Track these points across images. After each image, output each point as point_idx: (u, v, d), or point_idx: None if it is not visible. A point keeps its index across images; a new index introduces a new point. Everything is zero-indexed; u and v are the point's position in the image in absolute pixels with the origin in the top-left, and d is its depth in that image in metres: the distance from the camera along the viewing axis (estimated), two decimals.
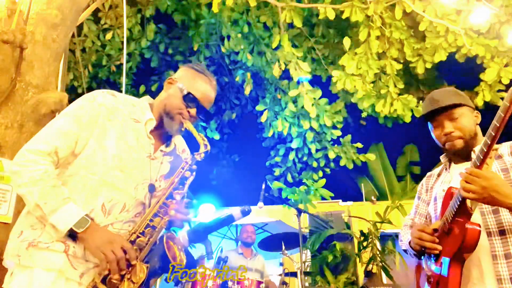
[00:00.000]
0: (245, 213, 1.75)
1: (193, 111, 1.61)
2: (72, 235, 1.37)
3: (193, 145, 1.72)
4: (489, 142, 1.39)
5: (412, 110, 4.68)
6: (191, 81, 1.64)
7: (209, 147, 1.63)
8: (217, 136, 6.61)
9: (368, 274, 5.06)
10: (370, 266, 4.93)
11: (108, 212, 1.46)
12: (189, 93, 1.60)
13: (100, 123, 1.49)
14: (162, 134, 1.64)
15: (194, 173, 1.59)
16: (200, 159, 1.60)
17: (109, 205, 1.46)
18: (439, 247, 1.61)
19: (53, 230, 1.36)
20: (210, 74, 1.73)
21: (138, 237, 1.45)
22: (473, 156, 1.56)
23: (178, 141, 1.74)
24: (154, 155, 1.60)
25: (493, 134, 1.37)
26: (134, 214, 1.54)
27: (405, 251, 1.88)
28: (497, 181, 1.41)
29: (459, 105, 1.70)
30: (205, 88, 1.66)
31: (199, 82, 1.65)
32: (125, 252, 1.38)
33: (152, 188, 1.57)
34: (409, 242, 1.78)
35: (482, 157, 1.43)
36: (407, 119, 4.73)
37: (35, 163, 1.38)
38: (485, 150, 1.41)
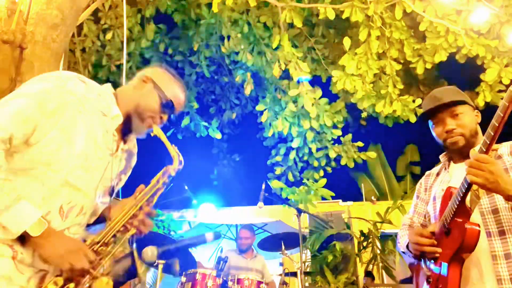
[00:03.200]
0: (217, 237, 1.76)
1: (165, 117, 1.55)
2: (23, 238, 1.20)
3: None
4: (488, 142, 1.39)
5: (415, 112, 4.69)
6: (169, 87, 1.55)
7: (183, 164, 1.54)
8: (219, 135, 6.60)
9: (367, 274, 5.06)
10: (371, 266, 4.94)
11: (66, 215, 1.32)
12: (170, 101, 1.53)
13: (68, 115, 1.31)
14: (123, 130, 1.52)
15: (165, 187, 1.51)
16: (174, 174, 1.51)
17: (67, 207, 1.32)
18: (439, 250, 1.61)
19: (2, 231, 1.18)
20: (181, 80, 1.66)
21: (101, 246, 1.35)
22: (472, 154, 1.56)
23: (132, 137, 1.63)
24: (116, 153, 1.49)
25: (492, 133, 1.37)
26: (89, 217, 1.44)
27: (403, 252, 1.87)
28: (500, 167, 1.41)
29: (461, 102, 1.69)
30: (180, 95, 1.59)
31: (177, 90, 1.58)
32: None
33: (112, 192, 1.50)
34: (407, 245, 1.78)
35: None
36: (412, 120, 4.73)
37: None
38: (484, 150, 1.41)
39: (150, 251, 1.53)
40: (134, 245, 1.47)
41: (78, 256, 1.26)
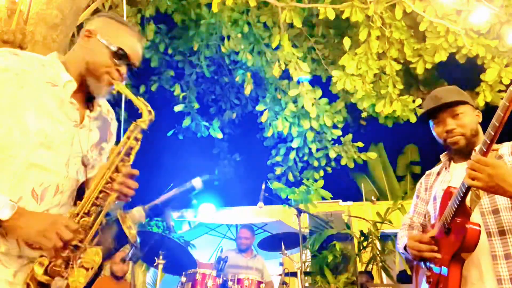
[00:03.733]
0: (205, 182, 1.64)
1: (123, 69, 1.40)
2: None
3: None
4: (488, 142, 1.39)
5: (415, 112, 4.69)
6: (116, 34, 1.39)
7: (153, 114, 1.39)
8: (220, 135, 6.60)
9: (362, 273, 5.06)
10: (370, 266, 4.94)
11: (41, 197, 1.24)
12: (119, 49, 1.37)
13: (9, 93, 1.20)
14: (84, 97, 1.39)
15: (139, 142, 1.37)
16: (145, 126, 1.37)
17: (40, 189, 1.24)
18: (438, 256, 1.61)
19: None
20: (131, 25, 1.49)
21: (82, 217, 1.25)
22: (473, 155, 1.56)
23: (101, 102, 1.49)
24: (82, 123, 1.37)
25: (492, 133, 1.37)
26: (69, 195, 1.35)
27: (402, 253, 1.88)
28: (504, 170, 1.39)
29: (462, 102, 1.69)
30: (133, 42, 1.43)
31: (126, 36, 1.41)
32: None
33: (85, 161, 1.37)
34: (405, 247, 1.78)
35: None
36: (412, 120, 4.73)
37: None
38: (485, 150, 1.41)
39: (137, 212, 1.40)
40: (119, 210, 1.36)
41: (58, 228, 1.16)
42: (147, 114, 1.38)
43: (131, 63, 1.42)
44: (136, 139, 1.35)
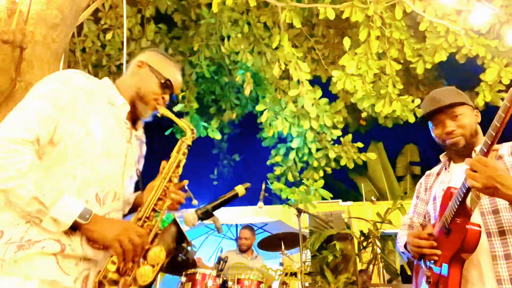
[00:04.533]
0: (248, 189, 1.79)
1: (167, 97, 1.61)
2: (74, 228, 1.27)
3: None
4: (489, 142, 1.39)
5: (414, 113, 4.69)
6: (165, 66, 1.62)
7: (195, 132, 1.63)
8: (218, 136, 6.60)
9: (361, 270, 5.05)
10: (371, 266, 4.93)
11: (103, 201, 1.39)
12: (167, 80, 1.59)
13: (81, 107, 1.38)
14: (132, 118, 1.59)
15: (186, 156, 1.58)
16: (190, 143, 1.59)
17: (102, 194, 1.39)
18: (438, 252, 1.61)
19: (53, 224, 1.23)
20: (176, 61, 1.71)
21: (144, 221, 1.43)
22: (474, 155, 1.56)
23: (140, 123, 1.69)
24: (131, 140, 1.55)
25: (493, 134, 1.36)
26: (123, 202, 1.51)
27: (402, 252, 1.88)
28: (503, 172, 1.38)
29: (460, 103, 1.70)
30: (178, 75, 1.65)
31: (172, 69, 1.64)
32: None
33: (140, 175, 1.58)
34: (405, 246, 1.78)
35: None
36: (411, 120, 4.73)
37: (19, 154, 1.21)
38: (485, 150, 1.41)
39: (191, 216, 1.55)
40: (174, 213, 1.56)
41: (130, 234, 1.31)
42: (190, 132, 1.60)
43: (174, 92, 1.64)
44: (183, 153, 1.57)
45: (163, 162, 1.57)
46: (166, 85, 1.58)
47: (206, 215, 1.58)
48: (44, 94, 1.34)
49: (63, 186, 1.29)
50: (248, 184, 1.73)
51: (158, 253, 1.37)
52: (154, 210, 1.46)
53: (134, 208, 1.60)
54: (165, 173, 1.52)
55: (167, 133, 6.61)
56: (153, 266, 1.36)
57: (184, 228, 1.50)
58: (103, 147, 1.39)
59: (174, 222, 1.46)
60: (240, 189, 1.70)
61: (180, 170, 1.56)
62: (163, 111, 1.58)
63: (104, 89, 1.51)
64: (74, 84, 1.40)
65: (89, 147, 1.36)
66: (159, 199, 1.48)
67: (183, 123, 1.60)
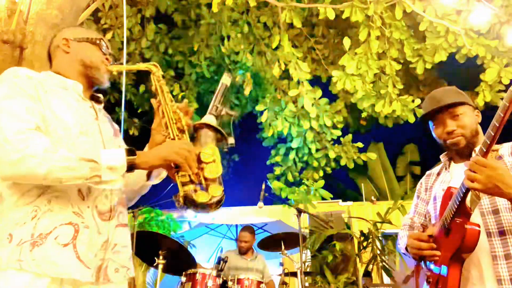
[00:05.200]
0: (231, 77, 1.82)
1: (110, 57, 1.57)
2: (131, 168, 1.29)
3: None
4: (489, 142, 1.39)
5: (414, 112, 4.69)
6: (86, 32, 1.58)
7: (158, 66, 1.58)
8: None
9: (366, 274, 5.06)
10: (370, 266, 4.94)
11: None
12: (99, 39, 1.55)
13: (42, 95, 1.33)
14: (88, 94, 1.54)
15: (164, 80, 1.60)
16: (160, 73, 1.57)
17: None
18: (438, 253, 1.61)
19: (112, 173, 1.24)
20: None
21: (179, 138, 1.46)
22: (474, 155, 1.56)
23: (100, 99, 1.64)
24: (98, 117, 1.50)
25: (493, 134, 1.36)
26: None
27: (403, 253, 1.88)
28: (503, 171, 1.38)
29: (461, 103, 1.69)
30: (97, 33, 1.62)
31: (93, 31, 1.63)
32: None
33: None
34: (406, 247, 1.78)
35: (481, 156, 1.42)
36: (411, 120, 4.73)
37: (35, 137, 1.19)
38: (484, 150, 1.41)
39: (208, 118, 1.58)
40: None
41: (178, 144, 1.36)
42: (154, 68, 1.56)
43: (111, 49, 1.60)
44: (158, 80, 1.54)
45: (152, 100, 1.56)
46: (102, 44, 1.55)
47: (218, 112, 1.65)
48: (7, 92, 1.28)
49: None
50: (229, 74, 1.76)
51: (210, 150, 1.43)
52: (179, 129, 1.47)
53: (150, 176, 1.59)
54: (163, 99, 1.52)
55: None
56: (214, 161, 1.41)
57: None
58: (77, 128, 1.36)
59: (205, 125, 1.51)
60: (225, 79, 1.75)
61: (168, 93, 1.55)
62: (115, 67, 1.55)
63: (50, 77, 1.45)
64: (24, 75, 1.34)
65: (64, 133, 1.32)
66: (174, 119, 1.48)
67: (143, 65, 1.56)
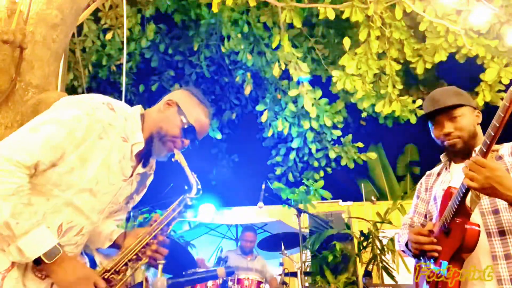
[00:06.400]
0: (229, 274, 1.77)
1: (187, 142, 1.53)
2: (38, 262, 1.23)
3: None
4: (489, 142, 1.39)
5: (415, 113, 4.69)
6: (192, 111, 1.53)
7: (201, 192, 1.51)
8: (219, 136, 6.60)
9: (367, 274, 5.06)
10: (370, 266, 4.93)
11: (63, 234, 1.34)
12: (191, 126, 1.50)
13: (89, 142, 1.33)
14: (144, 153, 1.51)
15: (181, 216, 1.51)
16: (190, 203, 1.49)
17: (67, 226, 1.35)
18: (439, 248, 1.61)
19: (18, 253, 1.20)
20: (209, 104, 1.62)
21: (112, 274, 1.37)
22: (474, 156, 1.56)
23: (152, 160, 1.62)
24: (130, 178, 1.49)
25: (493, 134, 1.36)
26: (87, 237, 1.46)
27: (403, 251, 1.88)
28: (501, 173, 1.38)
29: (459, 105, 1.69)
30: (205, 122, 1.56)
31: (201, 115, 1.55)
32: None
33: (128, 219, 1.53)
34: (406, 244, 1.78)
35: (481, 156, 1.42)
36: (411, 120, 4.73)
37: (10, 174, 1.19)
38: (485, 150, 1.41)
39: (160, 282, 1.54)
40: (146, 273, 1.49)
41: (88, 284, 1.28)
42: (195, 191, 1.49)
43: (198, 138, 1.55)
44: (180, 212, 1.48)
45: (156, 215, 1.51)
46: (189, 131, 1.50)
47: (177, 286, 1.58)
48: (64, 120, 1.30)
49: (34, 202, 1.26)
50: (231, 268, 1.76)
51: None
52: (126, 264, 1.40)
53: (114, 245, 1.55)
54: (152, 229, 1.46)
55: None
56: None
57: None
58: (89, 184, 1.34)
59: (140, 285, 1.45)
60: (220, 272, 1.70)
61: (170, 228, 1.50)
62: (178, 156, 1.50)
63: (126, 122, 1.44)
64: (97, 117, 1.34)
65: (76, 180, 1.32)
66: (136, 254, 1.42)
67: (192, 178, 1.51)
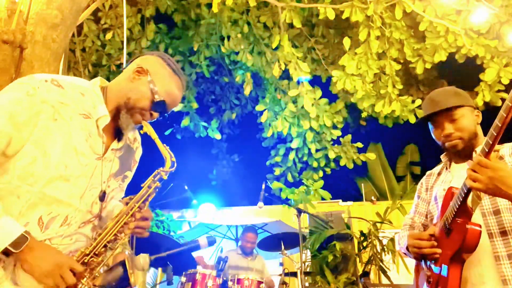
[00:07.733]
0: (211, 243, 1.73)
1: (156, 115, 1.43)
2: (7, 254, 1.17)
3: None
4: (491, 142, 1.38)
5: (415, 113, 4.69)
6: (165, 83, 1.42)
7: (175, 164, 1.43)
8: (218, 136, 6.60)
9: (364, 274, 5.06)
10: (369, 266, 4.93)
11: (46, 226, 1.26)
12: (162, 100, 1.40)
13: (41, 125, 1.23)
14: (113, 127, 1.40)
15: (157, 190, 1.42)
16: (165, 177, 1.41)
17: (48, 218, 1.26)
18: (438, 251, 1.61)
19: None
20: (182, 74, 1.49)
21: (92, 257, 1.30)
22: (475, 156, 1.56)
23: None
24: (105, 155, 1.39)
25: (495, 134, 1.36)
26: (78, 226, 1.36)
27: (404, 253, 1.88)
28: (504, 172, 1.38)
29: (459, 106, 1.69)
30: (177, 95, 1.46)
31: (173, 88, 1.44)
32: (74, 274, 1.22)
33: (103, 197, 1.40)
34: (407, 247, 1.78)
35: (483, 157, 1.42)
36: (411, 120, 4.74)
37: None
38: (487, 151, 1.40)
39: (142, 259, 1.48)
40: (128, 252, 1.45)
41: (64, 271, 1.20)
42: (169, 165, 1.41)
43: (165, 112, 1.45)
44: (156, 188, 1.41)
45: (130, 196, 1.44)
46: (159, 104, 1.40)
47: (159, 262, 1.53)
48: (2, 105, 1.20)
49: (6, 203, 1.20)
50: (212, 237, 1.69)
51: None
52: (105, 246, 1.33)
53: None
54: (128, 208, 1.38)
55: (166, 133, 6.61)
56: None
57: (137, 270, 1.43)
58: (58, 171, 1.25)
59: (123, 263, 1.37)
60: (202, 241, 1.66)
61: (146, 204, 1.42)
62: (147, 129, 1.40)
63: (84, 97, 1.34)
64: (40, 97, 1.23)
65: (41, 170, 1.23)
66: (115, 235, 1.35)
67: (165, 150, 1.42)
